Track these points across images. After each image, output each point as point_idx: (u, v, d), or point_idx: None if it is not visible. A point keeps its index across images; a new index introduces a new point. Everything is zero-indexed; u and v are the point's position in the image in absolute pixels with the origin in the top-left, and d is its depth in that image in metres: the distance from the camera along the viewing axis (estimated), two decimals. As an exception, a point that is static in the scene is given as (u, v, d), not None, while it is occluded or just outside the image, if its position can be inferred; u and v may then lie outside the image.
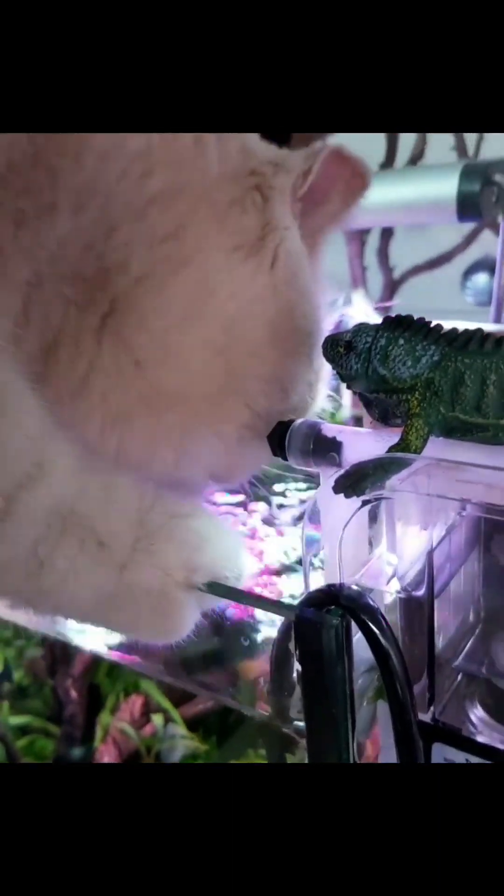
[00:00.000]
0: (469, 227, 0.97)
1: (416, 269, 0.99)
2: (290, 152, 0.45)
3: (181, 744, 0.67)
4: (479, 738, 0.39)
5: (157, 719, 0.70)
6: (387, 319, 0.38)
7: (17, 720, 0.79)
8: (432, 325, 0.37)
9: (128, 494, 0.38)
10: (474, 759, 0.39)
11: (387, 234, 0.99)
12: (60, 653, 0.78)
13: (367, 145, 0.89)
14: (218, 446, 0.43)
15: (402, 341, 0.37)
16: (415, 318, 0.37)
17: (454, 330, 0.37)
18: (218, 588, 0.39)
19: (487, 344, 0.36)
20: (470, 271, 0.92)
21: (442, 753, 0.41)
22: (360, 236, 0.97)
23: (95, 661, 0.76)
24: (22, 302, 0.37)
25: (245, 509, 0.74)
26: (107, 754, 0.69)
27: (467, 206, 0.60)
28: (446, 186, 0.60)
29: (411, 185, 0.61)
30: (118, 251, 0.39)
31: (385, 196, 0.62)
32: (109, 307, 0.40)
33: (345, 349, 0.39)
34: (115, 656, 0.51)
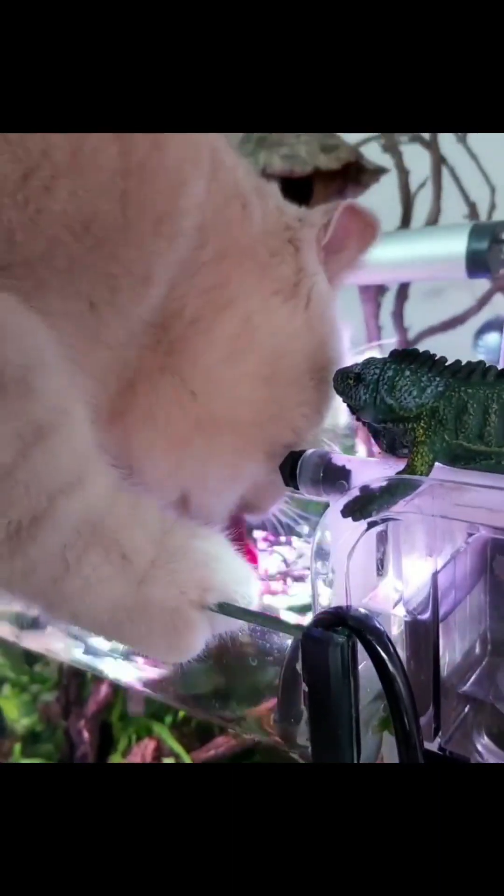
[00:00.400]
0: (482, 290, 1.00)
1: (431, 331, 1.02)
2: (309, 209, 0.53)
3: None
4: (486, 768, 0.39)
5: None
6: (394, 352, 0.40)
7: (27, 762, 0.79)
8: (437, 357, 0.39)
9: (153, 515, 0.40)
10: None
11: (402, 296, 1.02)
12: (75, 695, 0.79)
13: (384, 209, 0.94)
14: (265, 466, 0.49)
15: (408, 373, 0.39)
16: (420, 351, 0.40)
17: (458, 362, 0.39)
18: (229, 608, 0.40)
19: (489, 375, 0.38)
20: (482, 331, 0.95)
21: (449, 785, 0.41)
22: (375, 297, 1.00)
23: (108, 703, 0.77)
24: (115, 361, 0.43)
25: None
26: (116, 797, 0.68)
27: (476, 263, 0.63)
28: (456, 245, 0.63)
29: (424, 244, 0.65)
30: (175, 301, 0.44)
31: (400, 253, 0.65)
32: (169, 347, 0.45)
33: (354, 381, 0.41)
34: (129, 683, 0.51)
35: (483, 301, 1.00)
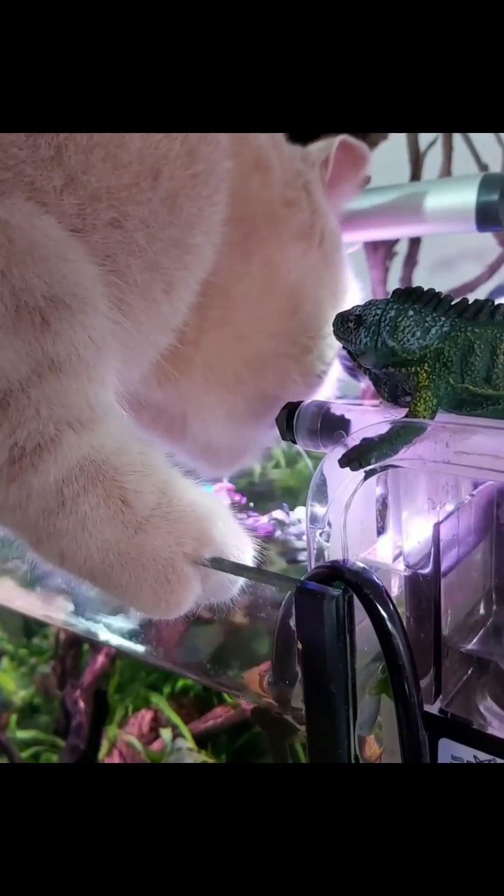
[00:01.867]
0: (491, 258, 0.97)
1: (441, 299, 0.99)
2: (307, 148, 0.56)
3: (188, 756, 0.65)
4: (490, 731, 0.37)
5: (166, 734, 0.68)
6: (396, 292, 0.38)
7: (24, 734, 0.78)
8: (443, 296, 0.37)
9: (160, 463, 0.39)
10: (483, 756, 0.37)
11: (410, 262, 1.00)
12: (71, 665, 0.77)
13: (393, 169, 0.91)
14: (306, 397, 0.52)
15: (411, 312, 0.37)
16: (425, 289, 0.37)
17: (464, 300, 0.36)
18: (222, 563, 0.38)
19: (498, 314, 0.35)
20: (492, 295, 0.92)
21: (449, 750, 0.39)
22: (383, 263, 0.97)
23: (105, 673, 0.75)
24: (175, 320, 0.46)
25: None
26: (111, 767, 0.67)
27: (486, 216, 0.60)
28: (465, 197, 0.60)
29: (432, 196, 0.62)
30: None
31: (407, 205, 0.62)
32: (223, 301, 0.50)
33: (354, 324, 0.39)
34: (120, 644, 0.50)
35: (493, 268, 0.97)
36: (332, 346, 0.55)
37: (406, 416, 0.37)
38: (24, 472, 0.35)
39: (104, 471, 0.36)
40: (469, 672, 0.40)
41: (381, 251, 0.95)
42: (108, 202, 0.37)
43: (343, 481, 0.37)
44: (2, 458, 0.34)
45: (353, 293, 0.60)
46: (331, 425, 0.41)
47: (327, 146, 0.56)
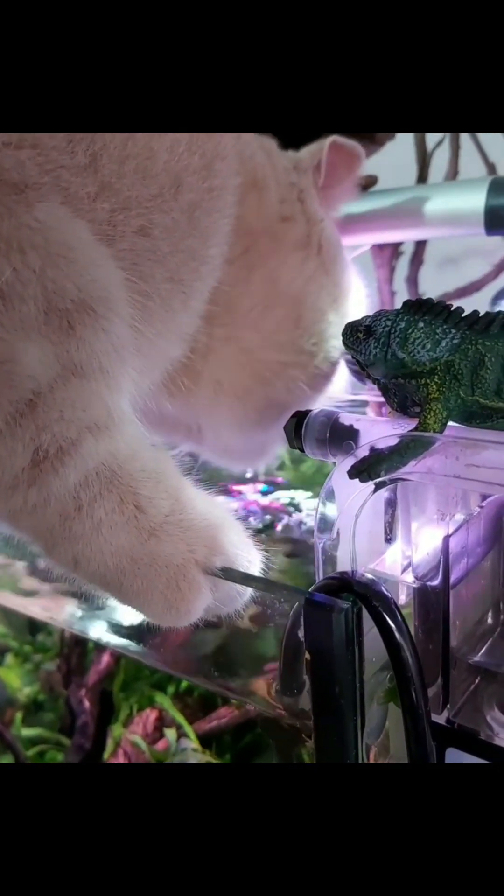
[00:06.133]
0: (498, 257, 0.96)
1: (446, 297, 0.99)
2: (298, 154, 0.56)
3: (193, 757, 0.65)
4: (497, 742, 0.37)
5: (171, 734, 0.68)
6: (407, 303, 0.38)
7: (29, 732, 0.78)
8: (453, 308, 0.37)
9: (173, 471, 0.40)
10: (490, 766, 0.38)
11: (417, 261, 0.99)
12: (76, 664, 0.78)
13: (399, 169, 0.91)
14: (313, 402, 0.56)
15: (421, 324, 0.37)
16: (435, 301, 0.37)
17: (475, 313, 0.36)
18: (232, 573, 0.38)
19: (508, 327, 0.35)
20: (499, 297, 0.91)
21: (456, 760, 0.39)
22: (390, 262, 0.97)
23: (110, 673, 0.75)
24: (186, 334, 0.47)
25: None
26: (116, 766, 0.67)
27: (495, 219, 0.60)
28: (475, 200, 0.60)
29: (441, 199, 0.62)
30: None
31: (415, 209, 0.62)
32: (228, 318, 0.51)
33: (364, 334, 0.38)
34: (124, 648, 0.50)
35: (500, 267, 0.97)
36: (337, 347, 0.56)
37: (416, 427, 0.37)
38: (44, 476, 0.35)
39: (119, 476, 0.37)
40: (476, 682, 0.40)
41: (387, 250, 0.95)
42: (137, 210, 0.38)
43: (352, 492, 0.37)
44: (25, 460, 0.34)
45: (358, 291, 0.60)
46: (339, 435, 0.41)
47: (318, 149, 0.55)
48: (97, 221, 0.36)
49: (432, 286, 1.01)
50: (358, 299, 0.60)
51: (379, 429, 0.39)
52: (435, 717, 0.38)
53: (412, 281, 1.01)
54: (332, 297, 0.55)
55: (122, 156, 0.36)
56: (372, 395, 0.60)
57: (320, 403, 0.57)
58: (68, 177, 0.34)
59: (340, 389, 0.59)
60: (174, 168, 0.39)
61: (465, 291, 0.99)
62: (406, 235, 0.71)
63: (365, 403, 0.63)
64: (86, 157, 0.35)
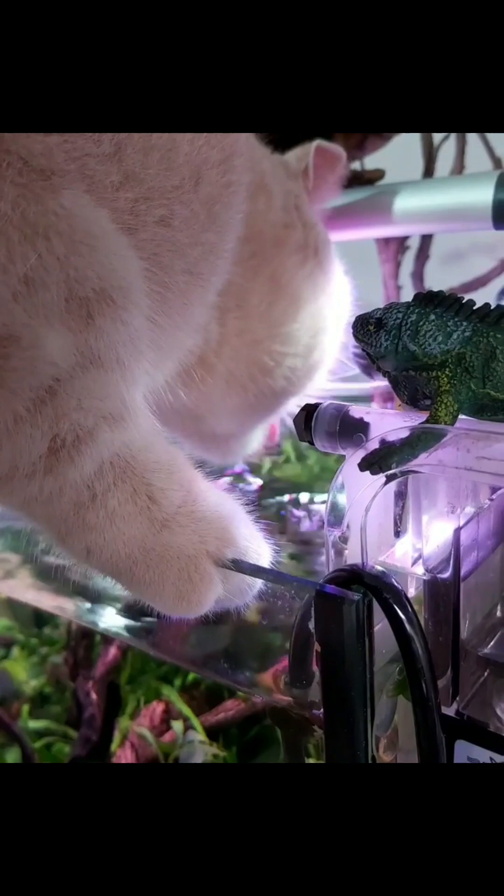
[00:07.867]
0: (504, 252, 0.96)
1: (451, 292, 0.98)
2: (285, 159, 0.59)
3: (200, 749, 0.65)
4: (507, 734, 0.38)
5: (178, 726, 0.69)
6: (418, 295, 0.38)
7: (36, 724, 0.79)
8: (464, 300, 0.37)
9: (185, 463, 0.40)
10: (499, 758, 0.38)
11: (422, 256, 0.99)
12: (83, 656, 0.78)
13: (405, 163, 0.91)
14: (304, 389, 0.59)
15: (433, 317, 0.37)
16: (447, 293, 0.37)
17: (486, 305, 0.36)
18: (243, 565, 0.39)
19: (520, 320, 0.35)
20: (504, 291, 0.91)
21: (465, 752, 0.39)
22: (395, 257, 0.96)
23: (117, 665, 0.76)
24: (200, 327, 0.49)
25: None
26: (123, 759, 0.67)
27: (503, 214, 0.60)
28: (482, 194, 0.60)
29: (448, 194, 0.62)
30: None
31: (422, 203, 0.62)
32: (241, 312, 0.53)
33: (375, 327, 0.39)
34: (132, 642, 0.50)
35: (507, 262, 0.97)
36: (334, 339, 0.60)
37: (427, 420, 0.37)
38: (61, 464, 0.35)
39: (133, 467, 0.37)
40: (486, 674, 0.40)
41: (392, 245, 0.95)
42: (159, 200, 0.38)
43: (363, 484, 0.37)
44: (42, 448, 0.35)
45: (343, 285, 0.63)
46: (350, 428, 0.41)
47: (304, 154, 0.58)
48: (119, 210, 0.36)
49: (438, 281, 1.01)
50: (345, 291, 0.63)
51: (389, 421, 0.39)
52: (444, 710, 0.38)
53: (418, 276, 1.00)
54: (326, 293, 0.59)
55: (147, 146, 0.37)
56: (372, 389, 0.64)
57: (310, 392, 0.61)
58: (94, 165, 0.34)
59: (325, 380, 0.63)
60: (195, 160, 0.39)
61: (470, 286, 0.99)
62: (412, 230, 0.71)
63: (370, 398, 0.64)
64: (111, 146, 0.35)
